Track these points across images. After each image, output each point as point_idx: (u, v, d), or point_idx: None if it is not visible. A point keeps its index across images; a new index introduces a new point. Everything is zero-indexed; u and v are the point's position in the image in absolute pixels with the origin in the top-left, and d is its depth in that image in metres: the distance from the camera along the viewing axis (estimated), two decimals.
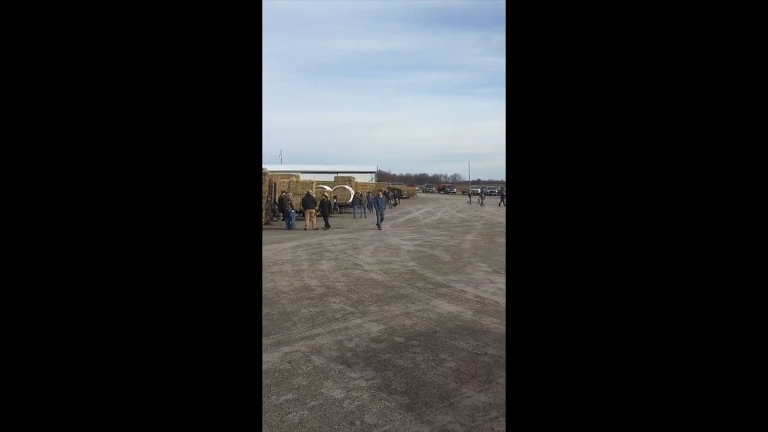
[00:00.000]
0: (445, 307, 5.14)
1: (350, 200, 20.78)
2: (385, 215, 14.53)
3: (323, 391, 3.04)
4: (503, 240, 11.59)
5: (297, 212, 15.01)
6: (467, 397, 2.96)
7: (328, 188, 21.04)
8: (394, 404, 2.86)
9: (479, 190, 45.87)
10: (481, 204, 31.28)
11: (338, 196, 21.31)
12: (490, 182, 79.85)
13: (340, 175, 28.35)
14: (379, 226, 14.20)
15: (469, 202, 34.55)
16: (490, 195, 38.92)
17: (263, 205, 14.16)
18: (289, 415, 2.72)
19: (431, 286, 6.18)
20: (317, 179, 23.55)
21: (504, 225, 16.24)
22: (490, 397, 2.95)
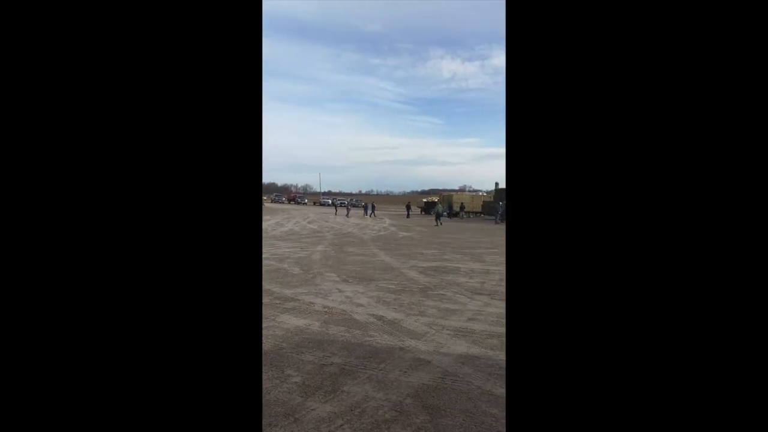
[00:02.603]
0: (292, 321, 5.06)
1: None
2: None
3: None
4: (354, 249, 12.05)
5: None
6: (312, 410, 2.96)
7: None
8: None
9: (333, 200, 46.30)
10: (347, 216, 30.44)
11: None
12: (340, 194, 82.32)
13: None
14: None
15: (336, 213, 34.41)
16: (356, 207, 39.59)
17: None
18: None
19: (278, 302, 6.01)
20: None
21: (353, 234, 16.89)
22: (335, 406, 3.01)
